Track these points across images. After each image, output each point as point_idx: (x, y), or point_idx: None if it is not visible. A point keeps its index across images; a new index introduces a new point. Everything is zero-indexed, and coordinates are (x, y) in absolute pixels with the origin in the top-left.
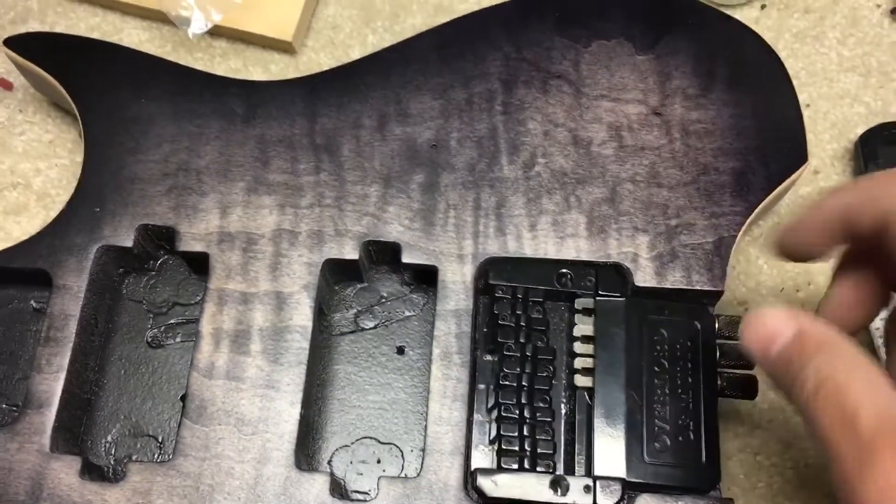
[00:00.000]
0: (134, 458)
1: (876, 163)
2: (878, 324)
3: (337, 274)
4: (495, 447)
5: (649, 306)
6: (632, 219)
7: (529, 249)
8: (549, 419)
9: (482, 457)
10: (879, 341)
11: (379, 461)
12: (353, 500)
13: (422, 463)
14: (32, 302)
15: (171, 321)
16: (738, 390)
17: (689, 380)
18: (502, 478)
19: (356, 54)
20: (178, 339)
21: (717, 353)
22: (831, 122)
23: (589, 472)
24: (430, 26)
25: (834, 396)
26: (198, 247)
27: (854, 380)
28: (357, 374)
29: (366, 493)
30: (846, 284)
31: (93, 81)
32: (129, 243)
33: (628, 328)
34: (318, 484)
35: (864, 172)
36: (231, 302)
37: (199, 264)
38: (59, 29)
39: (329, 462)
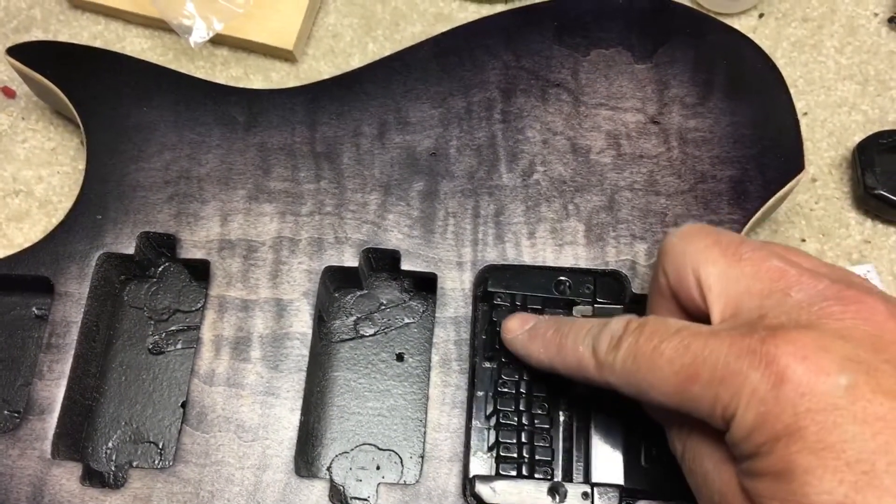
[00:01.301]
0: (135, 464)
1: (873, 170)
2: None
3: (337, 281)
4: (494, 454)
5: None
6: (630, 226)
7: (528, 257)
8: (547, 426)
9: (481, 463)
10: None
11: (378, 468)
12: None
13: (420, 469)
14: (34, 309)
15: (172, 328)
16: None
17: None
18: (500, 484)
19: (357, 63)
20: (178, 346)
21: None
22: (829, 130)
23: (587, 478)
24: (430, 35)
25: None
26: (199, 254)
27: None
28: (356, 381)
29: (365, 500)
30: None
31: (95, 90)
32: (130, 250)
33: None
34: (317, 490)
35: (862, 180)
36: (231, 309)
37: (199, 271)
38: (61, 37)
39: (328, 468)
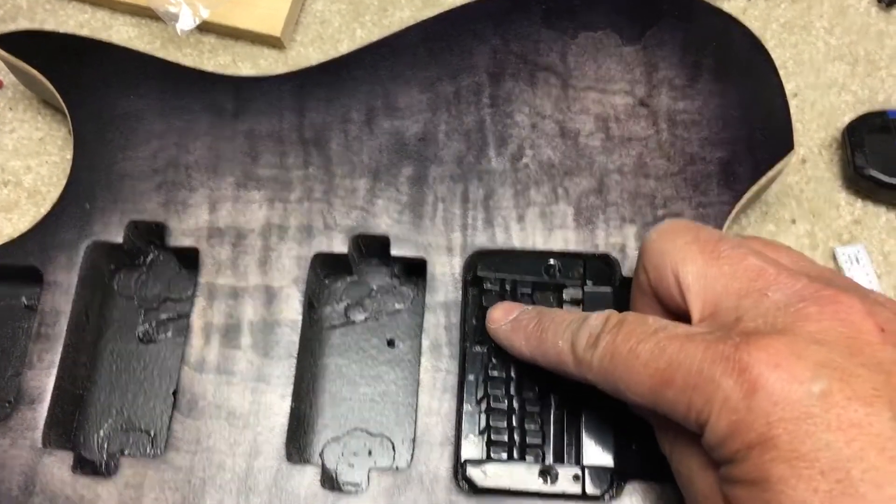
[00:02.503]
0: (126, 452)
1: (862, 151)
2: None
3: (327, 268)
4: (485, 437)
5: None
6: (619, 209)
7: (518, 241)
8: (538, 409)
9: (472, 447)
10: None
11: (370, 453)
12: (344, 492)
13: (412, 454)
14: (23, 299)
15: (163, 316)
16: None
17: None
18: (491, 468)
19: (345, 48)
20: (169, 334)
21: None
22: (819, 111)
23: (578, 461)
24: (419, 20)
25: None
26: (187, 242)
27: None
28: (348, 367)
29: (357, 485)
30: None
31: (82, 78)
32: (119, 239)
33: None
34: (308, 476)
35: (852, 161)
36: (221, 296)
37: (189, 259)
38: (48, 26)
39: (320, 454)
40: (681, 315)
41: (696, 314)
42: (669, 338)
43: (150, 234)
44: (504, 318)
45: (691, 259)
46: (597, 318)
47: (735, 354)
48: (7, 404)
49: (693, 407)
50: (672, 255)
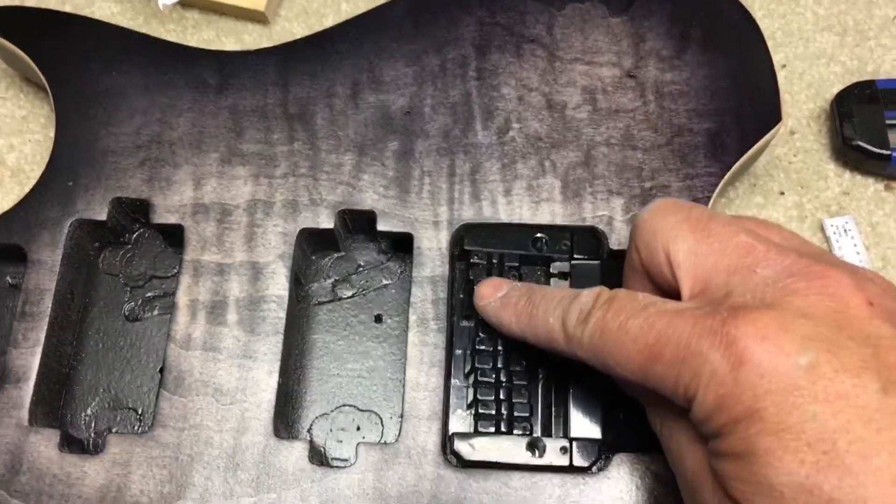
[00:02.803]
0: (114, 430)
1: (851, 122)
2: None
3: (313, 243)
4: (473, 411)
5: None
6: (606, 182)
7: (504, 215)
8: (525, 382)
9: (460, 421)
10: None
11: (358, 428)
12: (332, 467)
13: (400, 428)
14: (8, 278)
15: (149, 294)
16: None
17: None
18: (479, 441)
19: (330, 23)
20: (155, 312)
21: None
22: (807, 82)
23: (566, 433)
24: None
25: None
26: (172, 219)
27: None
28: (335, 343)
29: (345, 461)
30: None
31: (63, 55)
32: (103, 217)
33: None
34: (296, 451)
35: (840, 132)
36: (207, 273)
37: (174, 237)
38: (30, 3)
39: (309, 430)
40: (672, 293)
41: (686, 291)
42: (659, 313)
43: (135, 212)
44: (493, 294)
45: (682, 236)
46: (587, 294)
47: (722, 328)
48: None
49: (681, 381)
50: (663, 232)
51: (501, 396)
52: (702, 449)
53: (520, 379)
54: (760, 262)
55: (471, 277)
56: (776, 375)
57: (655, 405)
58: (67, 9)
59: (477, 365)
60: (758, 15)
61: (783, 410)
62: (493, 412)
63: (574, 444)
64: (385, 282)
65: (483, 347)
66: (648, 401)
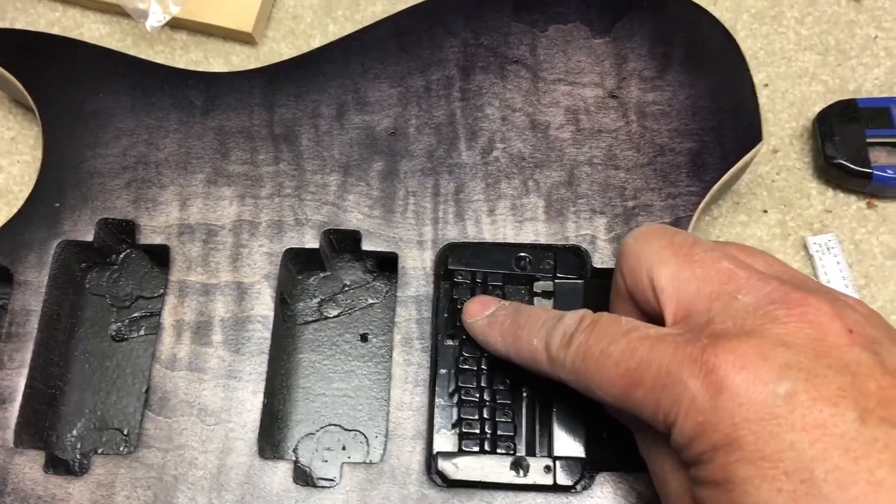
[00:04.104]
0: (100, 451)
1: (833, 140)
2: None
3: (299, 263)
4: (457, 431)
5: (608, 288)
6: (589, 201)
7: (488, 234)
8: (509, 402)
9: (444, 440)
10: None
11: (344, 448)
12: (317, 487)
13: (384, 448)
14: None
15: (135, 314)
16: None
17: None
18: (463, 461)
19: (317, 44)
20: (141, 332)
21: None
22: (790, 101)
23: (549, 452)
24: (390, 14)
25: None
26: (158, 239)
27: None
28: (321, 363)
29: (330, 480)
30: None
31: (51, 77)
32: (89, 237)
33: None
34: (281, 472)
35: (822, 150)
36: (192, 293)
37: (160, 257)
38: (18, 25)
39: (294, 450)
40: (657, 318)
41: (669, 317)
42: (640, 338)
43: (121, 232)
44: (481, 311)
45: (665, 262)
46: (571, 317)
47: (702, 356)
48: None
49: (661, 407)
50: (647, 258)
51: (486, 415)
52: (684, 474)
53: (504, 398)
54: (742, 289)
55: (455, 297)
56: (754, 404)
57: (642, 430)
58: (56, 31)
59: (461, 384)
60: (740, 35)
61: (761, 439)
62: (478, 431)
63: (558, 463)
64: (371, 301)
65: (467, 367)
66: (635, 425)
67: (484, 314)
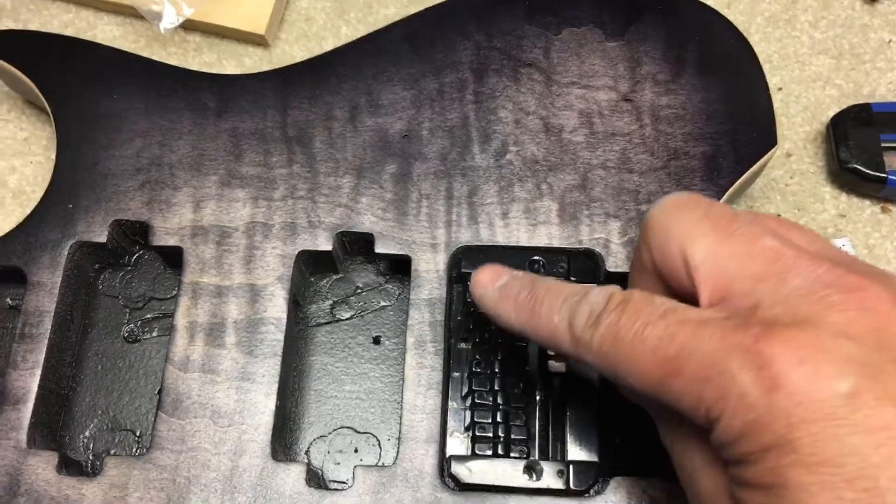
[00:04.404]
0: (112, 452)
1: (847, 144)
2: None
3: (312, 265)
4: (470, 434)
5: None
6: (603, 205)
7: (502, 237)
8: (522, 405)
9: (457, 444)
10: None
11: (356, 450)
12: (329, 490)
13: (397, 451)
14: (8, 299)
15: (148, 316)
16: None
17: None
18: (476, 464)
19: (330, 46)
20: (154, 334)
21: None
22: (804, 105)
23: (562, 457)
24: (403, 16)
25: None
26: (171, 241)
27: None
28: (333, 365)
29: (343, 483)
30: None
31: (65, 78)
32: (103, 239)
33: None
34: (294, 474)
35: (836, 155)
36: (205, 295)
37: (173, 258)
38: (32, 26)
39: (307, 452)
40: (687, 297)
41: (705, 297)
42: (680, 322)
43: (134, 234)
44: (491, 282)
45: (702, 236)
46: (598, 293)
47: (755, 346)
48: None
49: (703, 401)
50: (679, 231)
51: (499, 419)
52: (721, 472)
53: (517, 402)
54: (791, 270)
55: (468, 300)
56: (814, 403)
57: (667, 420)
58: (69, 32)
59: (474, 387)
60: (754, 39)
61: (820, 441)
62: (491, 435)
63: (571, 467)
64: (383, 304)
65: (480, 370)
66: (658, 414)
67: (495, 285)
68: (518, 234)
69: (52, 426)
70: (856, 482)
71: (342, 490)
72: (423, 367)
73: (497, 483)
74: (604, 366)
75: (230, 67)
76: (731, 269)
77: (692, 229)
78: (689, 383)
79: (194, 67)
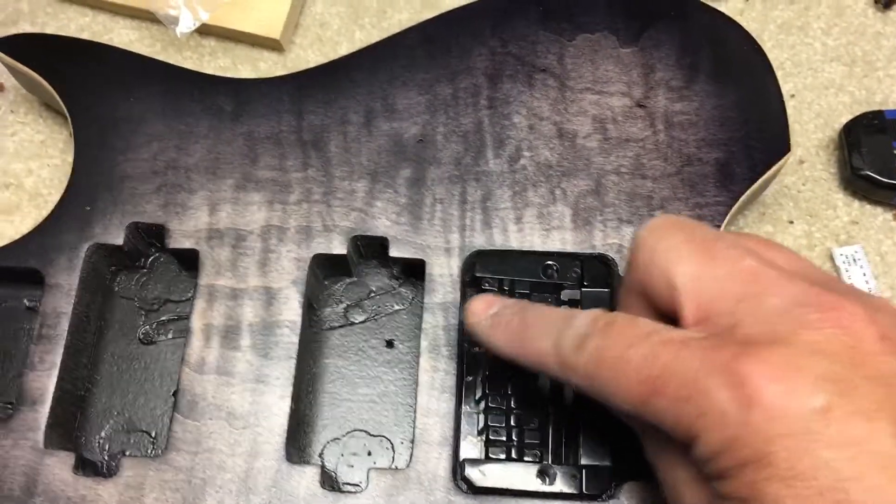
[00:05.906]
0: (127, 453)
1: (859, 151)
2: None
3: (326, 269)
4: (483, 438)
5: None
6: (617, 210)
7: (515, 242)
8: (536, 409)
9: (470, 447)
10: None
11: (370, 453)
12: (343, 492)
13: (411, 454)
14: (25, 300)
15: (163, 318)
16: None
17: None
18: (490, 468)
19: (344, 51)
20: (169, 336)
21: None
22: (816, 111)
23: (576, 461)
24: (417, 22)
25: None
26: (187, 244)
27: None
28: (347, 368)
29: (357, 485)
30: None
31: (82, 82)
32: (119, 241)
33: None
34: (308, 476)
35: (849, 161)
36: (221, 298)
37: (189, 261)
38: (49, 30)
39: (320, 455)
40: (670, 316)
41: (688, 317)
42: (663, 343)
43: (151, 236)
44: (485, 311)
45: (685, 259)
46: (583, 317)
47: (732, 365)
48: (9, 405)
49: (684, 419)
50: (664, 253)
51: (512, 423)
52: (704, 487)
53: (531, 405)
54: (769, 290)
55: None
56: (788, 419)
57: (651, 437)
58: (86, 36)
59: (488, 391)
60: (767, 45)
61: (795, 456)
62: (504, 439)
63: (584, 471)
64: (397, 307)
65: (494, 374)
66: (643, 431)
67: (488, 314)
68: (532, 238)
69: (68, 427)
70: (828, 494)
71: (356, 493)
72: (436, 370)
73: (510, 487)
74: (590, 387)
75: (245, 72)
76: (712, 290)
77: (676, 252)
78: (671, 402)
79: (210, 72)
